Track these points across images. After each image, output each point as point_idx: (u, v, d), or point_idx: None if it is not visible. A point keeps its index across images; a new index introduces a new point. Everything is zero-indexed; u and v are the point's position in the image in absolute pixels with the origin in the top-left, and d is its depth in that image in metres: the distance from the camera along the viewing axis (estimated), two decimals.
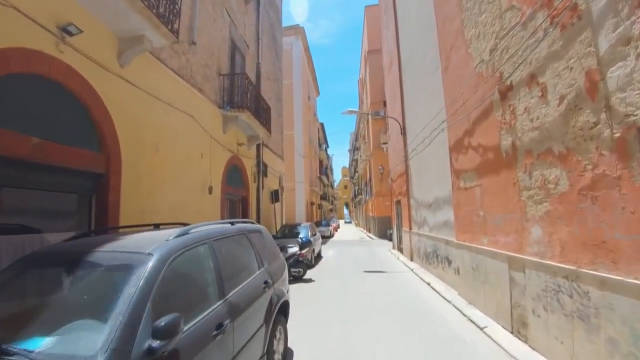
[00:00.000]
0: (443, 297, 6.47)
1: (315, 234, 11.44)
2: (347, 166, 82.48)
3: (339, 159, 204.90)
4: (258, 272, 3.28)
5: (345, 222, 67.59)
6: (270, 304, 3.25)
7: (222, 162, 8.42)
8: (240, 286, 2.78)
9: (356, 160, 49.59)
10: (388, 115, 12.59)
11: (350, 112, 11.41)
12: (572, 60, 3.16)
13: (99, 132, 4.45)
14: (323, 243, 17.95)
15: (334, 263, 11.15)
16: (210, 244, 2.60)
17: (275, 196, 13.05)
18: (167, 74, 6.19)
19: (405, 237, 11.43)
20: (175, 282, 1.99)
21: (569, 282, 3.21)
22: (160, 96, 5.87)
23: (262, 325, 2.97)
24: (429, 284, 7.56)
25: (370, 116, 23.86)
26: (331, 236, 24.50)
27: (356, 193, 47.88)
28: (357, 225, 51.42)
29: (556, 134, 3.41)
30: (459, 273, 6.40)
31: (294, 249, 8.18)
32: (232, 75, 8.85)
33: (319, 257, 12.33)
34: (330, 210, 63.49)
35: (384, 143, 21.56)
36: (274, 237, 10.98)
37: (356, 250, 15.10)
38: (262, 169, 11.78)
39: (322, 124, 46.84)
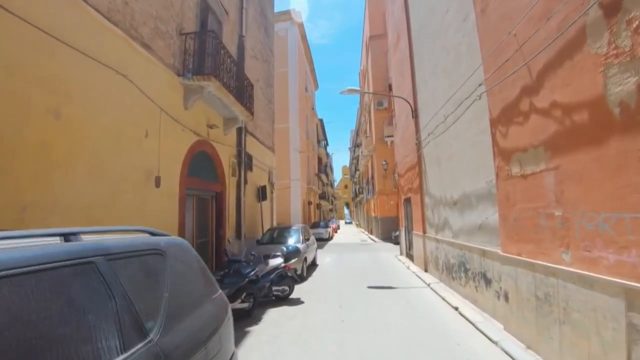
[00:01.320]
0: (483, 332, 4.52)
1: (308, 239, 9.51)
2: (348, 165, 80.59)
3: (339, 159, 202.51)
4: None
5: (346, 223, 65.66)
6: None
7: (183, 147, 6.48)
8: None
9: (357, 158, 47.66)
10: (396, 95, 10.67)
11: (351, 90, 9.49)
12: None
13: None
14: (320, 247, 16.01)
15: (331, 274, 9.20)
16: None
17: (262, 194, 11.11)
18: (87, 12, 4.26)
19: (417, 242, 9.47)
20: None
21: None
22: (70, 40, 3.94)
23: None
24: (456, 308, 5.61)
25: (372, 107, 21.92)
26: (330, 238, 22.55)
27: (357, 192, 45.94)
28: (357, 226, 49.42)
29: None
30: (507, 300, 4.45)
31: (276, 261, 6.24)
32: (199, 35, 6.90)
33: (313, 265, 10.39)
34: (330, 210, 61.54)
35: (388, 136, 19.65)
36: (258, 242, 9.04)
37: (358, 256, 13.14)
38: (244, 161, 9.83)
39: (321, 120, 44.91)
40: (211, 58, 6.80)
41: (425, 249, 8.71)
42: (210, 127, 7.53)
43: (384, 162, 19.20)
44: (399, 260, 11.38)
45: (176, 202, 6.14)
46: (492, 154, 4.77)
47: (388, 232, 19.11)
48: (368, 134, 24.69)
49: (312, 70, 34.25)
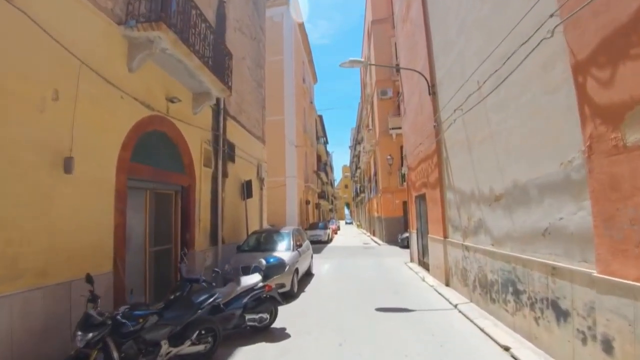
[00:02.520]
0: None
1: (301, 245, 7.79)
2: (348, 165, 78.85)
3: (340, 159, 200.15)
4: None
5: (346, 223, 64.13)
6: None
7: (123, 121, 4.78)
8: None
9: (358, 156, 45.94)
10: (408, 68, 8.94)
11: (353, 62, 7.76)
12: None
13: None
14: (318, 251, 14.32)
15: (329, 289, 7.50)
16: None
17: (247, 190, 9.41)
18: None
19: (435, 249, 7.77)
20: None
21: None
22: None
23: None
24: (507, 349, 3.92)
25: (375, 98, 20.23)
26: (329, 241, 20.85)
27: (358, 191, 44.24)
28: (359, 226, 47.72)
29: None
30: (609, 350, 2.75)
31: (251, 279, 4.53)
32: None
33: (308, 275, 8.69)
34: (330, 210, 59.86)
35: (394, 128, 17.98)
36: (239, 249, 7.35)
37: (361, 262, 11.44)
38: (224, 149, 8.15)
39: (320, 117, 43.25)
40: (176, 15, 5.09)
41: (447, 257, 7.01)
42: (171, 100, 5.83)
43: (388, 157, 17.52)
44: (410, 268, 9.68)
45: (111, 196, 4.44)
46: (576, 118, 3.08)
47: (393, 234, 17.42)
48: (370, 127, 22.97)
49: (311, 62, 32.55)
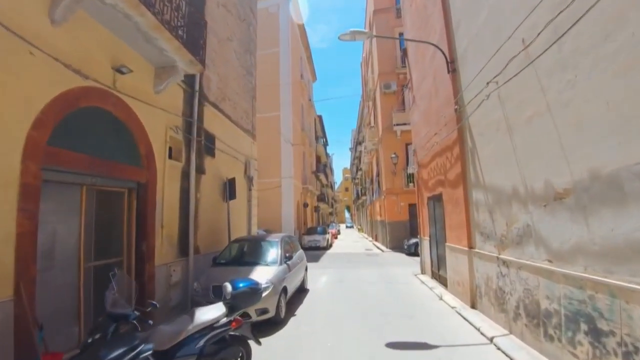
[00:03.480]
0: None
1: (291, 256, 6.39)
2: (349, 167, 77.54)
3: (340, 162, 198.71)
4: None
5: (347, 227, 62.87)
6: None
7: (38, 89, 3.47)
8: None
9: (358, 158, 44.66)
10: (422, 41, 7.62)
11: (355, 33, 6.47)
12: None
13: None
14: (316, 259, 12.98)
15: (325, 311, 6.15)
16: None
17: (230, 190, 8.10)
18: None
19: (457, 261, 6.44)
20: None
21: None
22: None
23: None
24: None
25: (378, 92, 18.97)
26: (328, 247, 19.49)
27: (359, 194, 42.90)
28: (360, 230, 46.35)
29: None
30: None
31: (209, 314, 3.18)
32: None
33: (302, 291, 7.35)
34: (330, 214, 58.49)
35: (398, 124, 16.73)
36: (215, 262, 6.03)
37: (364, 274, 10.10)
38: (199, 140, 6.86)
39: (320, 117, 42.04)
40: None
41: (473, 273, 5.67)
42: (119, 70, 4.52)
43: (393, 155, 16.21)
44: (422, 282, 8.33)
45: (11, 192, 3.14)
46: None
47: (398, 239, 16.07)
48: (373, 125, 21.69)
49: (309, 58, 31.37)
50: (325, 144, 48.43)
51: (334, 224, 35.43)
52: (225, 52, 8.88)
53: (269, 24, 20.60)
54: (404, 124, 17.05)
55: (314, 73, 34.52)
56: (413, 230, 16.26)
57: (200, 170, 6.99)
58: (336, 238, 29.94)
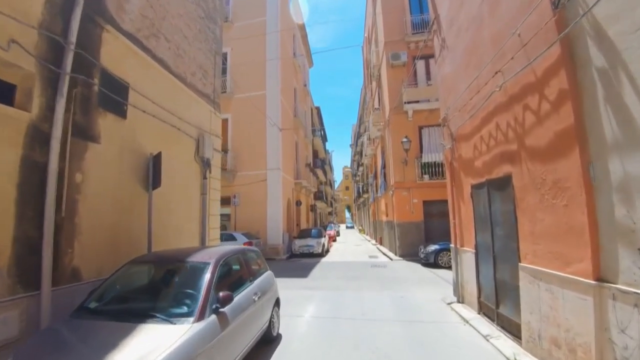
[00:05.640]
0: None
1: (229, 299, 3.18)
2: (349, 166, 74.46)
3: (340, 161, 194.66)
4: None
5: (347, 227, 59.97)
6: None
7: None
8: None
9: (360, 153, 41.66)
10: None
11: None
12: None
13: None
14: (305, 273, 10.04)
15: None
16: None
17: (153, 172, 5.13)
18: None
19: (554, 302, 3.45)
20: None
21: None
22: None
23: None
24: None
25: (384, 66, 15.98)
26: (324, 253, 16.52)
27: (360, 191, 39.90)
28: (361, 231, 43.37)
29: None
30: None
31: None
32: None
33: (266, 342, 4.39)
34: (329, 213, 55.51)
35: (410, 102, 13.78)
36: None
37: (370, 300, 7.12)
38: (84, 79, 3.88)
39: (318, 109, 39.04)
40: None
41: (613, 336, 2.70)
42: None
43: (404, 139, 13.22)
44: (463, 319, 5.36)
45: None
46: None
47: (411, 245, 13.11)
48: (378, 107, 18.66)
49: (305, 38, 28.36)
50: (325, 140, 45.51)
51: (332, 225, 32.43)
52: None
53: None
54: (417, 102, 14.10)
55: (309, 56, 31.49)
56: (429, 233, 13.29)
57: (84, 135, 4.03)
58: (335, 240, 26.98)
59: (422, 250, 11.45)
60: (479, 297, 5.41)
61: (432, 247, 10.91)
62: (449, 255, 10.70)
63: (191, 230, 6.67)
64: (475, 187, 5.39)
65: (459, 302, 6.22)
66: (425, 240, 12.83)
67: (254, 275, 4.18)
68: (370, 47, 22.76)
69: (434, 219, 13.34)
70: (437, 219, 13.21)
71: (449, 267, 10.53)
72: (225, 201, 16.10)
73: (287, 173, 17.92)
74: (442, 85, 7.06)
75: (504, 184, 4.38)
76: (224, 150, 16.25)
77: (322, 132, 42.44)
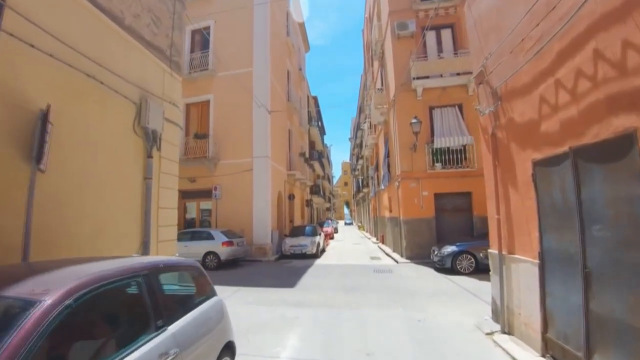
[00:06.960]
0: None
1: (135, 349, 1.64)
2: (348, 160, 72.47)
3: (339, 156, 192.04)
4: None
5: (346, 224, 58.26)
6: None
7: None
8: None
9: (359, 145, 39.78)
10: None
11: None
12: None
13: None
14: (293, 280, 8.17)
15: None
16: None
17: (40, 140, 3.28)
18: None
19: None
20: None
21: None
22: None
23: None
24: None
25: (389, 38, 14.08)
26: (319, 254, 14.73)
27: (360, 186, 38.05)
28: (360, 228, 41.65)
29: None
30: None
31: None
32: None
33: None
34: (327, 209, 53.66)
35: (420, 77, 11.97)
36: None
37: (375, 325, 5.34)
38: None
39: (315, 98, 37.10)
40: None
41: None
42: None
43: (414, 120, 11.37)
44: None
45: None
46: None
47: (420, 245, 11.31)
48: (381, 86, 16.76)
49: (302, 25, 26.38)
50: (323, 133, 43.58)
51: (329, 221, 30.57)
52: None
53: None
54: (427, 77, 12.24)
55: (305, 39, 29.49)
56: (442, 232, 11.49)
57: None
58: (332, 238, 25.21)
59: (435, 252, 9.65)
60: (544, 331, 3.60)
61: (449, 249, 9.10)
62: (470, 259, 8.91)
63: (126, 228, 4.83)
64: (542, 164, 3.56)
65: (503, 332, 4.42)
66: (437, 240, 11.03)
67: (173, 315, 2.33)
68: (371, 25, 20.80)
69: (448, 215, 11.54)
70: (452, 215, 11.41)
71: (470, 274, 8.74)
72: (206, 194, 14.25)
73: (278, 163, 16.07)
74: (478, 27, 5.18)
75: (616, 149, 2.55)
76: (203, 134, 14.38)
77: (320, 124, 40.53)
